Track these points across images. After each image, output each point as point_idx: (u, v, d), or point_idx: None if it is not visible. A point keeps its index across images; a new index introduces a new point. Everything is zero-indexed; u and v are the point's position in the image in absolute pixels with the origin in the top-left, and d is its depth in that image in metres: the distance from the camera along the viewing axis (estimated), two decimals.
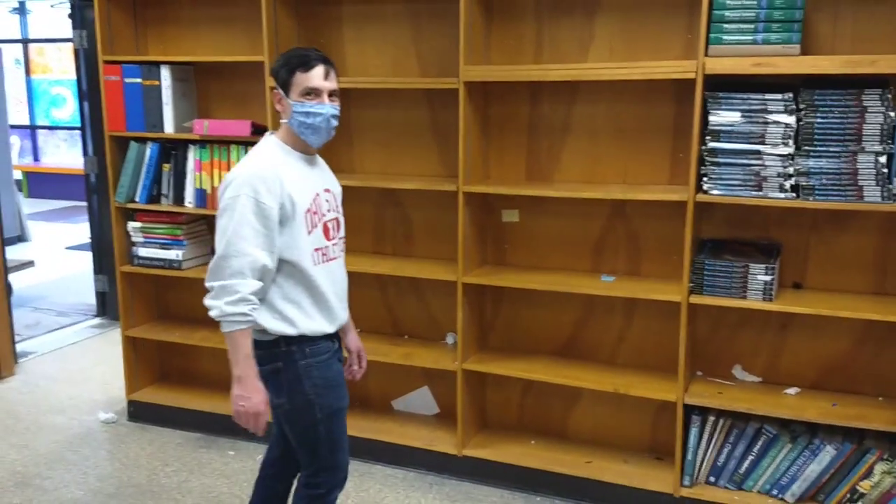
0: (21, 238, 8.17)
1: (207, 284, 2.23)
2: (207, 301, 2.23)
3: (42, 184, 11.20)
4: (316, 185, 2.39)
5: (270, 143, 2.37)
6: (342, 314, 2.46)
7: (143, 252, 3.83)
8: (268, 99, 3.40)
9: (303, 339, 2.32)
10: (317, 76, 2.30)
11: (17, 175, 10.43)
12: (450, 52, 3.30)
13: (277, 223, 2.23)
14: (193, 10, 3.77)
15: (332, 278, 2.40)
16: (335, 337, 2.46)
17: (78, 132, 10.95)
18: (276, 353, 2.32)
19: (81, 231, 8.60)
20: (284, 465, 2.62)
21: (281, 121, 2.38)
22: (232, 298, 2.18)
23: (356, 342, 2.70)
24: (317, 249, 2.34)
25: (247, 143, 3.55)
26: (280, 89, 2.33)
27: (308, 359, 2.33)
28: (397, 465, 3.55)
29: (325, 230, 2.39)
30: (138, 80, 3.65)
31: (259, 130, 3.49)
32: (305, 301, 2.33)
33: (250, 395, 2.23)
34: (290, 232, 2.27)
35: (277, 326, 2.30)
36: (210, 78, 3.80)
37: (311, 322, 2.34)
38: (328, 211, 2.41)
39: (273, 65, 2.40)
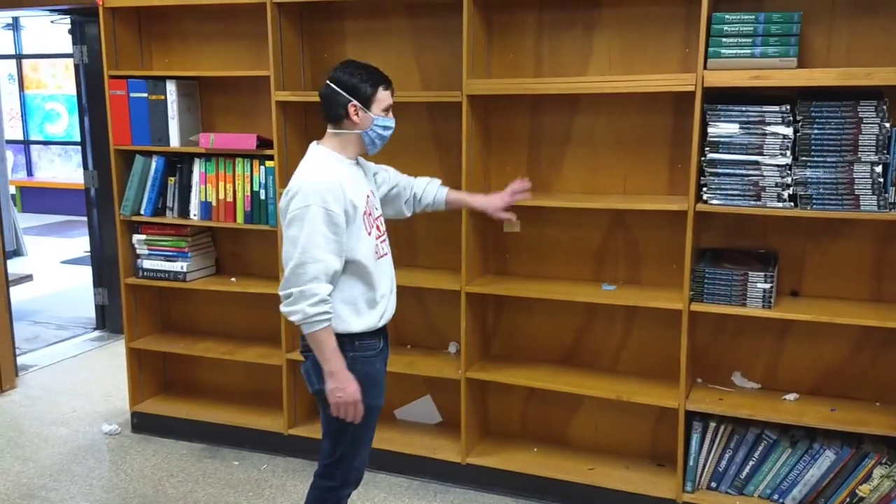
0: (17, 252, 8.17)
1: (284, 292, 2.38)
2: (286, 308, 2.38)
3: (36, 198, 11.18)
4: (365, 188, 2.54)
5: (323, 153, 2.50)
6: (391, 309, 2.62)
7: (148, 264, 3.86)
8: (273, 112, 3.45)
9: (353, 335, 2.47)
10: (391, 94, 2.54)
11: (11, 190, 10.43)
12: (451, 66, 3.36)
13: (344, 228, 2.38)
14: (198, 25, 3.82)
15: (388, 273, 2.60)
16: (383, 335, 2.60)
17: (71, 147, 11.02)
18: None
19: (77, 245, 8.62)
20: None
21: (339, 130, 2.50)
22: (312, 301, 2.33)
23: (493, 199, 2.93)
24: (375, 247, 2.52)
25: (252, 157, 3.59)
26: (358, 102, 2.46)
27: (355, 352, 2.48)
28: (402, 473, 3.58)
29: (378, 229, 2.57)
30: (144, 94, 3.69)
31: (264, 144, 3.54)
32: (361, 300, 2.49)
33: (345, 385, 2.40)
34: (353, 234, 2.44)
35: (332, 323, 2.42)
36: (215, 92, 3.84)
37: (362, 321, 2.49)
38: (375, 209, 2.57)
39: (345, 78, 2.47)
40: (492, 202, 2.91)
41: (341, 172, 2.46)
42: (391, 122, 2.55)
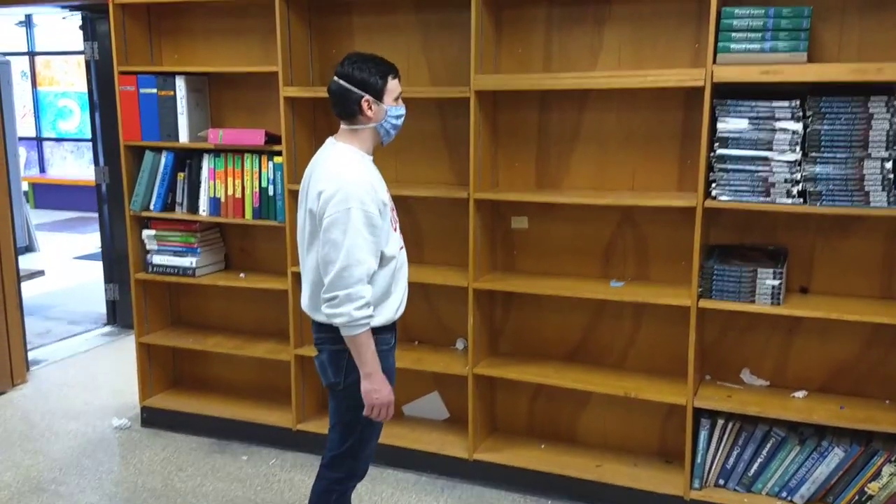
0: (29, 248, 8.23)
1: (329, 294, 2.36)
2: (331, 310, 2.37)
3: (48, 195, 11.26)
4: (384, 184, 2.55)
5: (345, 151, 2.49)
6: (405, 302, 2.63)
7: (158, 259, 3.88)
8: (282, 108, 3.45)
9: (372, 330, 2.45)
10: (399, 81, 2.52)
11: (24, 186, 10.49)
12: (460, 62, 3.36)
13: (380, 228, 2.41)
14: (207, 21, 3.83)
15: (405, 266, 2.63)
16: (395, 329, 2.62)
17: (83, 144, 11.07)
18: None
19: (88, 241, 8.67)
20: None
21: (355, 126, 2.49)
22: (359, 304, 2.35)
23: None
24: (399, 242, 2.57)
25: (260, 153, 3.60)
26: (371, 95, 2.44)
27: (376, 346, 2.45)
28: (409, 469, 3.58)
29: (398, 223, 2.62)
30: (153, 90, 3.70)
31: (273, 139, 3.55)
32: (383, 293, 2.50)
33: (381, 387, 2.44)
34: (385, 231, 2.46)
35: None
36: (224, 88, 3.85)
37: (382, 315, 2.50)
38: (393, 205, 2.60)
39: (355, 73, 2.44)
40: None
41: (369, 171, 2.48)
42: (403, 110, 2.55)
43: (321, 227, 2.39)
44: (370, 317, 2.39)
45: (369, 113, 2.46)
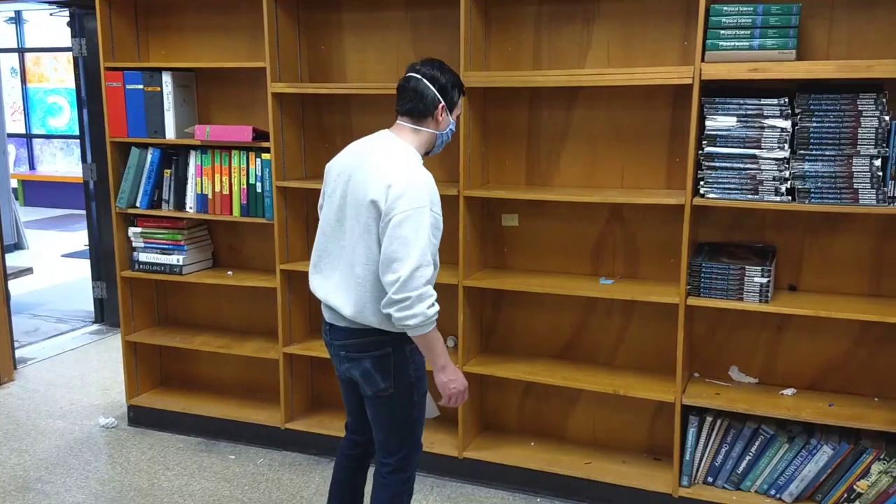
0: (17, 246, 8.18)
1: (400, 296, 2.29)
2: (402, 312, 2.31)
3: (38, 192, 11.20)
4: None
5: (408, 150, 2.47)
6: None
7: (144, 257, 3.85)
8: (270, 104, 3.43)
9: None
10: None
11: (13, 183, 10.43)
12: (449, 59, 3.30)
13: (441, 231, 2.43)
14: (195, 17, 3.80)
15: None
16: None
17: (73, 141, 11.02)
18: (387, 339, 2.46)
19: (77, 239, 8.62)
20: (368, 447, 2.76)
21: (420, 128, 2.49)
22: (429, 303, 2.33)
23: None
24: None
25: (248, 149, 3.58)
26: (446, 104, 2.49)
27: (410, 344, 2.47)
28: None
29: None
30: (140, 86, 3.68)
31: (260, 136, 3.53)
32: None
33: (455, 376, 2.47)
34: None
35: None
36: (211, 84, 3.83)
37: None
38: None
39: (440, 78, 2.47)
40: None
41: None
42: (454, 127, 2.59)
43: (388, 222, 2.31)
44: (438, 313, 2.37)
45: (439, 119, 2.49)
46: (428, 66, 2.50)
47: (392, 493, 2.59)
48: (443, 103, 2.47)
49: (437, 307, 2.35)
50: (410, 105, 2.47)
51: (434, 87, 2.46)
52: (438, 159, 3.49)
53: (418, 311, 2.30)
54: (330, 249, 2.52)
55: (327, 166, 2.60)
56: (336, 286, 2.49)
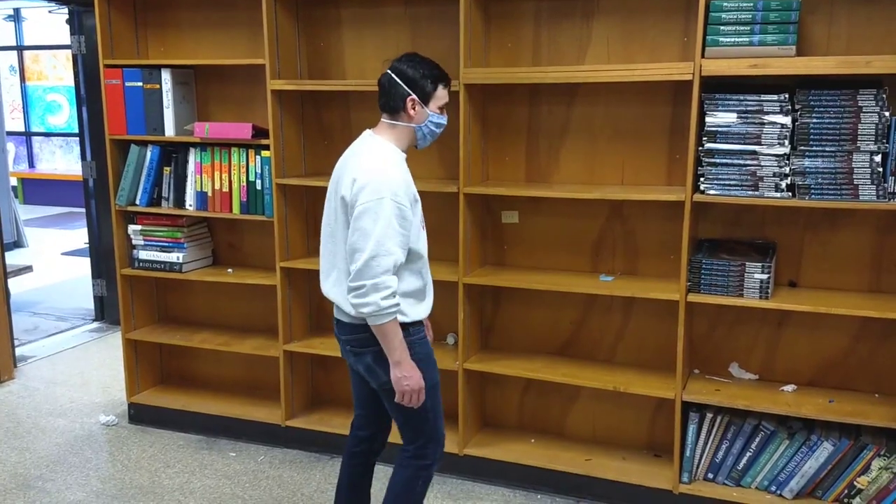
0: (17, 244, 8.18)
1: (355, 283, 2.37)
2: (358, 299, 2.38)
3: (37, 190, 11.20)
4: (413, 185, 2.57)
5: (381, 144, 2.53)
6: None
7: (144, 255, 3.85)
8: (269, 101, 3.43)
9: (408, 324, 2.51)
10: (448, 92, 2.58)
11: (13, 181, 10.42)
12: (449, 55, 3.32)
13: (411, 222, 2.42)
14: (194, 13, 3.80)
15: (428, 264, 2.64)
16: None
17: (73, 139, 11.01)
18: None
19: (77, 237, 8.62)
20: (372, 444, 2.81)
21: (394, 122, 2.53)
22: (385, 294, 2.36)
23: None
24: (426, 241, 2.60)
25: (248, 146, 3.57)
26: (418, 97, 2.49)
27: (411, 337, 2.51)
28: None
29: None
30: (139, 83, 3.67)
31: (260, 133, 3.52)
32: (418, 292, 2.55)
33: (411, 374, 2.46)
34: (415, 227, 2.49)
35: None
36: (211, 81, 3.82)
37: (418, 311, 2.55)
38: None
39: (407, 71, 2.50)
40: None
41: (403, 165, 2.51)
42: (444, 120, 2.59)
43: (352, 215, 2.40)
44: (396, 305, 2.39)
45: (412, 112, 2.51)
46: (399, 61, 2.54)
47: (407, 475, 2.65)
48: (412, 96, 2.48)
49: (392, 300, 2.37)
50: (381, 100, 2.54)
51: (402, 80, 2.49)
52: (438, 156, 3.49)
53: (372, 300, 2.35)
54: (328, 249, 2.61)
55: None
56: (335, 283, 2.57)
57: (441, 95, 2.55)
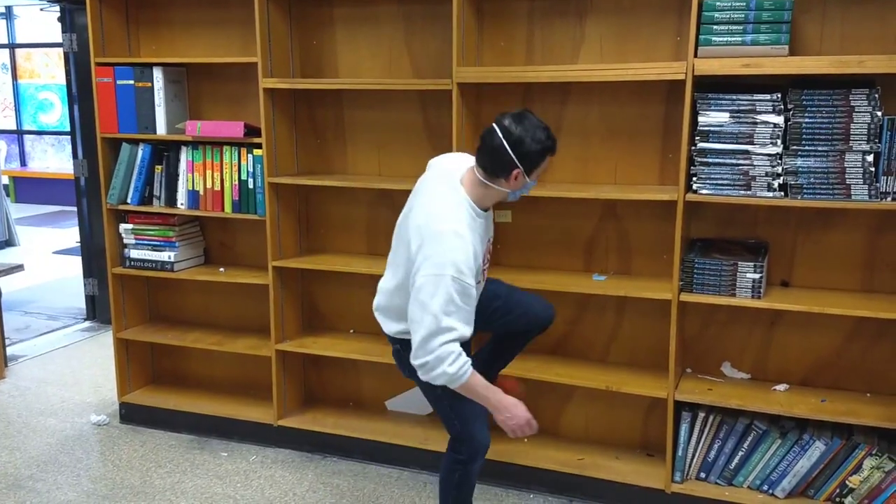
0: (9, 242, 8.15)
1: (419, 361, 2.39)
2: (426, 375, 2.40)
3: (29, 188, 11.15)
4: (486, 236, 2.57)
5: (462, 203, 2.45)
6: None
7: (135, 254, 3.83)
8: (261, 100, 3.41)
9: None
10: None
11: (5, 180, 10.38)
12: (442, 54, 3.33)
13: (475, 297, 2.42)
14: (186, 11, 3.78)
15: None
16: None
17: (65, 137, 10.96)
18: (394, 337, 2.67)
19: (69, 235, 8.58)
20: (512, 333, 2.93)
21: (490, 184, 2.44)
22: (450, 361, 2.35)
23: None
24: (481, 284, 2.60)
25: (240, 145, 3.56)
26: (524, 169, 2.39)
27: None
28: (392, 464, 3.56)
29: (483, 270, 2.59)
30: (130, 81, 3.65)
31: (252, 132, 3.51)
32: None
33: (511, 411, 2.50)
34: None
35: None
36: (203, 79, 3.81)
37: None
38: (488, 252, 2.59)
39: (520, 140, 2.36)
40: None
41: (475, 231, 2.44)
42: (535, 184, 2.52)
43: (413, 281, 2.38)
44: (466, 364, 2.37)
45: (514, 182, 2.42)
46: (514, 122, 2.37)
47: (447, 464, 2.75)
48: (520, 169, 2.38)
49: (460, 362, 2.35)
50: (484, 160, 2.42)
51: (513, 149, 2.36)
52: (431, 156, 3.44)
53: (439, 372, 2.36)
54: (391, 258, 2.68)
55: None
56: (381, 286, 2.71)
57: (544, 165, 2.46)
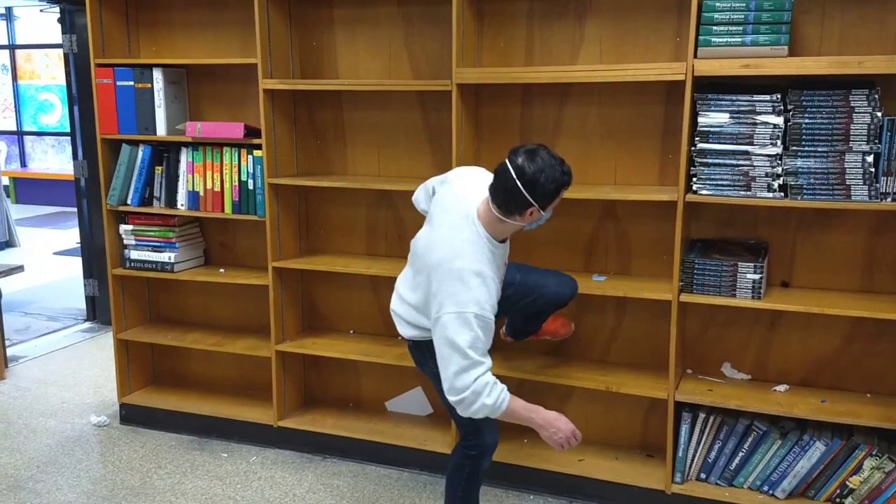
0: (9, 243, 8.15)
1: (455, 399, 2.41)
2: (465, 411, 2.42)
3: (29, 189, 11.15)
4: (502, 264, 2.60)
5: (483, 239, 2.47)
6: None
7: (135, 255, 3.83)
8: (261, 101, 3.41)
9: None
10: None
11: (5, 181, 10.39)
12: (442, 55, 3.33)
13: (493, 331, 2.46)
14: (186, 12, 3.78)
15: None
16: None
17: (65, 138, 10.97)
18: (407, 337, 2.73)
19: (69, 236, 8.58)
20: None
21: (506, 220, 2.43)
22: (487, 392, 2.38)
23: None
24: None
25: (240, 146, 3.56)
26: (538, 206, 2.38)
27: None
28: (392, 465, 3.56)
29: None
30: (130, 82, 3.65)
31: (252, 133, 3.51)
32: None
33: (555, 426, 2.53)
34: None
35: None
36: (202, 80, 3.81)
37: None
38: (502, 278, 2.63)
39: (534, 180, 2.33)
40: None
41: (494, 263, 2.48)
42: (550, 215, 2.51)
43: (436, 317, 2.41)
44: (502, 392, 2.41)
45: (529, 217, 2.43)
46: (528, 160, 2.34)
47: (457, 460, 2.79)
48: (535, 206, 2.38)
49: (497, 391, 2.39)
50: (499, 197, 2.40)
51: (527, 189, 2.33)
52: (430, 156, 3.49)
53: (478, 406, 2.39)
54: (407, 271, 2.73)
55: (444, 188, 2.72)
56: (403, 277, 2.75)
57: (557, 200, 2.44)
